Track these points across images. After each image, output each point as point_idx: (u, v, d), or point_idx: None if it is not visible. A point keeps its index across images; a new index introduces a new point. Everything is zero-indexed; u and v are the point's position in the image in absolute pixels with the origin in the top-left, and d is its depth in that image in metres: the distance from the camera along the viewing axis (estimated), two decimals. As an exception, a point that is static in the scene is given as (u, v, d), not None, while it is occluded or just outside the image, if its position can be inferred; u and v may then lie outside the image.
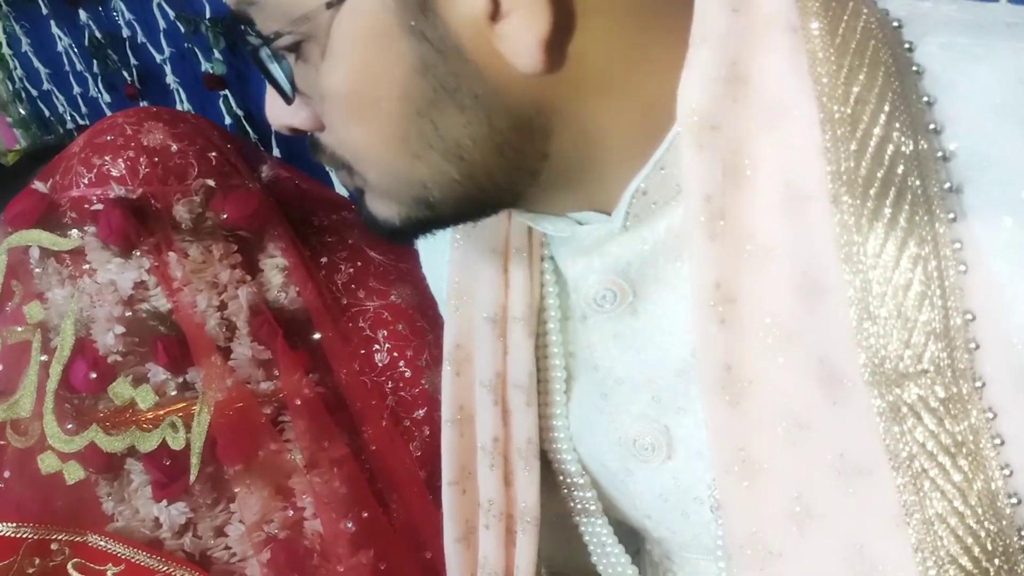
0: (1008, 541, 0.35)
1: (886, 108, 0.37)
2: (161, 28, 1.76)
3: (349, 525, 0.80)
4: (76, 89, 2.06)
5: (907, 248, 0.36)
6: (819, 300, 0.37)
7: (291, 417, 0.82)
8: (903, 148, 0.36)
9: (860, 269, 0.36)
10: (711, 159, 0.38)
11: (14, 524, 0.82)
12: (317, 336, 0.84)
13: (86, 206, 0.80)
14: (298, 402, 0.81)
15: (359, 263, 0.90)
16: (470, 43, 0.37)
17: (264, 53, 0.40)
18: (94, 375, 0.80)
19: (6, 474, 0.84)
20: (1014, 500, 0.35)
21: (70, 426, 0.81)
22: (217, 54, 1.70)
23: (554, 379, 0.51)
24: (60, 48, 2.01)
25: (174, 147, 0.83)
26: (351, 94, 0.38)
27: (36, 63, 2.12)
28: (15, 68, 2.21)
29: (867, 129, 0.37)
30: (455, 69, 0.37)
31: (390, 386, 0.86)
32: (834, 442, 0.37)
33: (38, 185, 0.84)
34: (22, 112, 2.27)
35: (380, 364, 0.86)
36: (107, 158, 0.81)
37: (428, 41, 0.37)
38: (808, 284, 0.38)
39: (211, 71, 1.72)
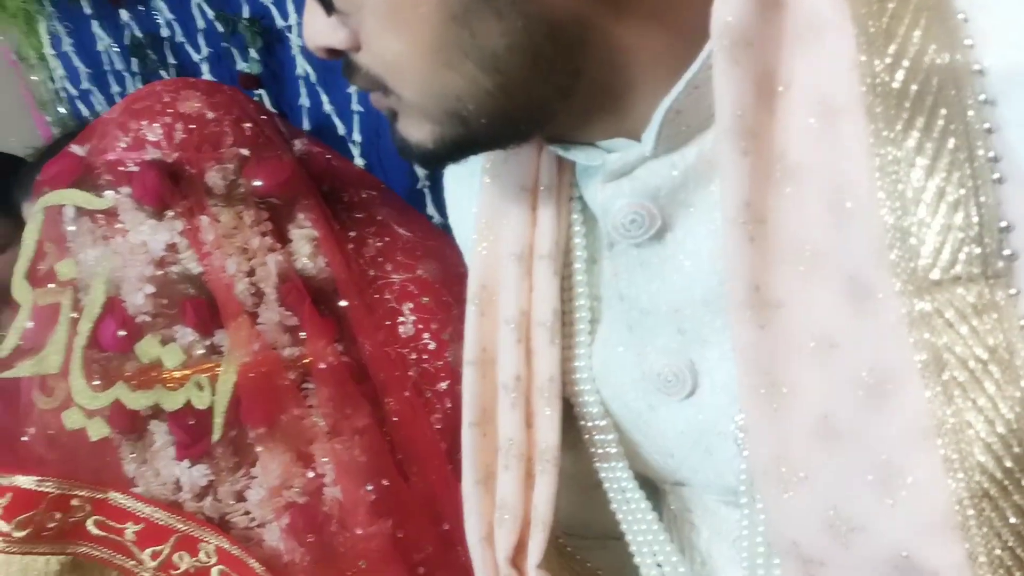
0: None
1: (921, 23, 0.37)
2: (199, 28, 1.80)
3: (369, 488, 0.80)
4: (115, 88, 2.10)
5: (941, 157, 0.36)
6: (850, 214, 0.37)
7: (315, 383, 0.83)
8: (938, 61, 0.36)
9: (893, 179, 0.36)
10: (744, 76, 0.39)
11: (37, 478, 0.83)
12: (343, 304, 0.84)
13: (121, 168, 0.82)
14: (322, 366, 0.82)
15: (387, 238, 0.91)
16: None
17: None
18: (122, 333, 0.81)
19: (31, 430, 0.85)
20: (1047, 410, 0.34)
21: (96, 383, 0.82)
22: (253, 53, 1.72)
23: (579, 319, 0.52)
24: (101, 48, 2.05)
25: (210, 115, 0.85)
26: (388, 1, 0.39)
27: (77, 63, 2.16)
28: (56, 68, 2.25)
29: (902, 43, 0.37)
30: None
31: (413, 358, 0.86)
32: (863, 358, 0.37)
33: (75, 148, 0.86)
34: (61, 111, 2.31)
35: (404, 336, 0.86)
36: (144, 123, 0.83)
37: None
38: (839, 199, 0.38)
39: (247, 70, 1.75)
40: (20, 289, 0.85)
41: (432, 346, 0.86)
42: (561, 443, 0.53)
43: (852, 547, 0.38)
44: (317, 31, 0.44)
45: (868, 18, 0.38)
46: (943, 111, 0.36)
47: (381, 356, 0.85)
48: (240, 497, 0.86)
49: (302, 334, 0.83)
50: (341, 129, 1.57)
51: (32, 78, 2.32)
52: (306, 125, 1.64)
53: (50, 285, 0.84)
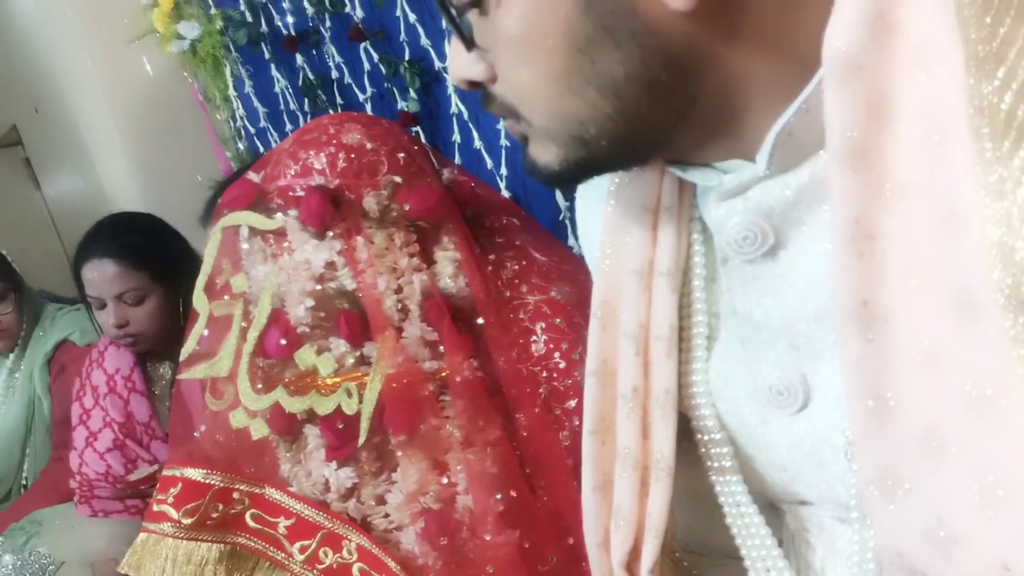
0: None
1: None
2: (365, 70, 1.93)
3: (498, 498, 0.84)
4: (288, 126, 2.28)
5: None
6: (957, 231, 0.38)
7: (451, 396, 0.88)
8: None
9: (1000, 197, 0.37)
10: (853, 98, 0.40)
11: (204, 471, 0.92)
12: (480, 322, 0.89)
13: (290, 193, 0.91)
14: (459, 380, 0.87)
15: (524, 262, 0.96)
16: None
17: (450, 7, 0.46)
18: (284, 342, 0.89)
19: (202, 427, 0.95)
20: None
21: (259, 386, 0.90)
22: (412, 93, 1.84)
23: (696, 335, 0.54)
24: (277, 89, 2.23)
25: (369, 146, 0.92)
26: (521, 34, 0.44)
27: (256, 103, 2.36)
28: (237, 108, 2.47)
29: (1012, 67, 0.38)
30: (613, 8, 0.42)
31: (544, 376, 0.90)
32: (968, 372, 0.38)
33: (251, 175, 0.95)
34: (240, 147, 2.53)
35: (536, 354, 0.90)
36: (311, 152, 0.92)
37: None
38: (947, 216, 0.39)
39: (406, 109, 1.86)
40: (199, 300, 0.95)
41: (562, 365, 0.89)
42: (679, 457, 0.55)
43: (954, 559, 0.38)
44: (460, 65, 0.49)
45: (978, 43, 0.39)
46: None
47: (514, 373, 0.89)
48: (381, 500, 0.92)
49: (441, 348, 0.88)
50: (490, 163, 1.65)
51: (216, 117, 2.55)
52: (458, 159, 1.73)
53: (225, 297, 0.93)
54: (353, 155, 0.92)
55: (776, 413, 0.50)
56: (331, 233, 0.89)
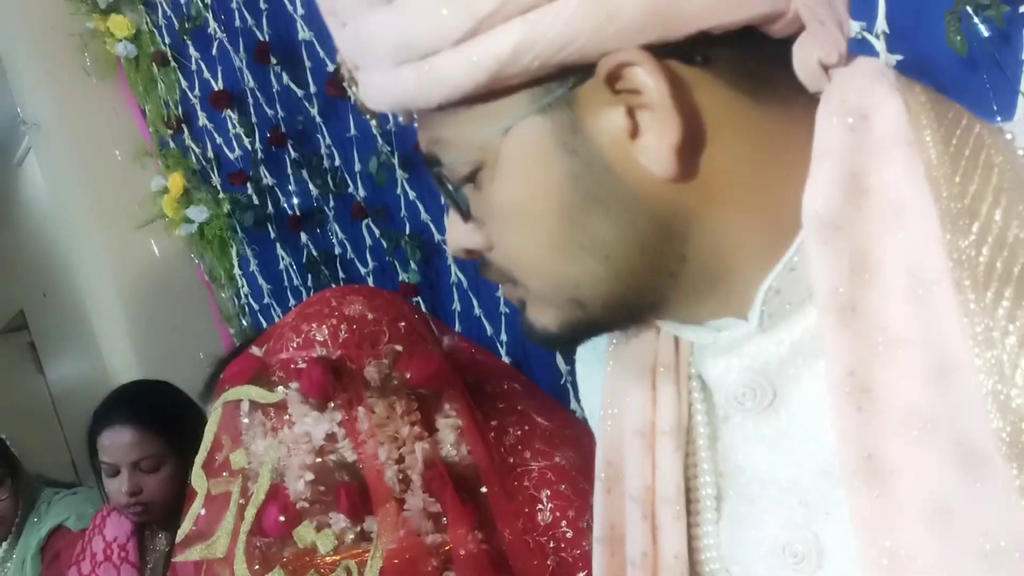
0: None
1: (1003, 201, 0.40)
2: (367, 245, 2.00)
3: None
4: (292, 302, 2.32)
5: None
6: (952, 382, 0.39)
7: (456, 571, 0.85)
8: (1021, 235, 0.39)
9: (988, 347, 0.38)
10: (836, 255, 0.42)
11: (199, 660, 0.87)
12: (484, 491, 0.88)
13: (292, 366, 0.91)
14: (463, 553, 0.84)
15: (526, 427, 0.95)
16: (614, 156, 0.44)
17: (448, 184, 0.49)
18: (283, 519, 0.87)
19: (198, 612, 0.91)
20: None
21: (257, 567, 0.87)
22: (413, 265, 1.89)
23: (704, 496, 0.53)
24: (282, 266, 2.30)
25: (370, 316, 0.94)
26: (515, 205, 0.46)
27: (260, 280, 2.42)
28: (242, 286, 2.53)
29: (985, 221, 0.40)
30: (601, 179, 0.44)
31: (552, 546, 0.87)
32: (979, 523, 0.37)
33: (254, 350, 0.96)
34: (243, 324, 2.56)
35: (543, 523, 0.88)
36: (313, 325, 0.93)
37: (578, 156, 0.44)
38: (940, 368, 0.39)
39: (407, 280, 1.91)
40: (197, 478, 0.93)
41: (570, 534, 0.87)
42: None
43: None
44: (458, 236, 0.51)
45: (950, 200, 0.41)
46: None
47: (520, 544, 0.87)
48: None
49: (444, 520, 0.86)
50: (490, 329, 1.67)
51: (221, 295, 2.61)
52: (458, 326, 1.75)
53: (224, 475, 0.92)
54: (355, 326, 0.93)
55: (792, 575, 0.48)
56: (332, 404, 0.89)
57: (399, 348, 0.92)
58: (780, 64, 0.45)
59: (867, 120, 0.44)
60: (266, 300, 2.43)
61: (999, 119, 0.96)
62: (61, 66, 2.73)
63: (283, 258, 2.27)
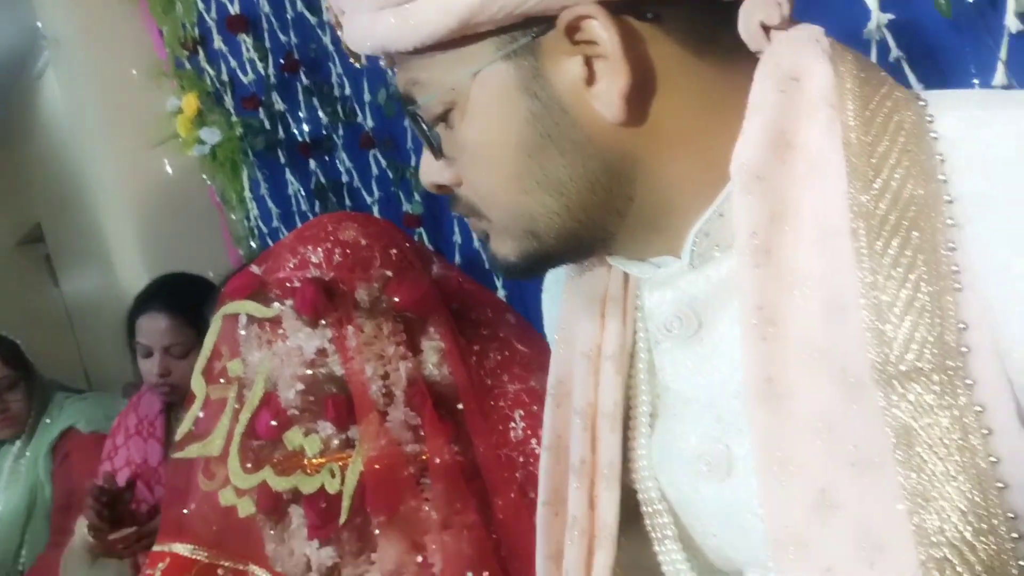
0: (996, 522, 0.39)
1: (904, 163, 0.45)
2: (374, 175, 2.04)
3: (468, 575, 0.87)
4: (299, 226, 2.38)
5: (913, 270, 0.43)
6: (843, 318, 0.44)
7: (430, 478, 0.92)
8: (916, 192, 0.44)
9: (874, 289, 0.43)
10: (757, 203, 0.47)
11: (192, 546, 0.96)
12: (461, 408, 0.95)
13: (288, 284, 0.97)
14: (437, 462, 0.91)
15: (507, 352, 1.01)
16: (571, 101, 0.49)
17: (423, 123, 0.54)
18: (275, 423, 0.94)
19: (192, 505, 0.99)
20: (1000, 485, 0.39)
21: (249, 465, 0.95)
22: (417, 197, 1.94)
23: (641, 413, 0.59)
24: (291, 192, 2.35)
25: (363, 242, 1.00)
26: (480, 143, 0.51)
27: (270, 204, 2.48)
28: (252, 209, 2.59)
29: (886, 178, 0.45)
30: (558, 121, 0.49)
31: (521, 460, 0.94)
32: (851, 438, 0.43)
33: (253, 268, 1.03)
34: (253, 246, 2.63)
35: (515, 440, 0.95)
36: (309, 247, 0.99)
37: (539, 99, 0.49)
38: (835, 305, 0.45)
39: (410, 211, 1.96)
40: (197, 383, 1.01)
41: (538, 450, 0.94)
42: (632, 531, 0.60)
43: None
44: (430, 171, 0.56)
45: (859, 158, 0.46)
46: (916, 234, 0.43)
47: (492, 458, 0.94)
48: (360, 580, 0.95)
49: (423, 433, 0.93)
50: (487, 263, 1.73)
51: (231, 217, 2.67)
52: (458, 257, 1.81)
53: (221, 381, 0.99)
54: (349, 250, 0.99)
55: (705, 482, 0.54)
56: (323, 322, 0.95)
57: (389, 273, 0.98)
58: (726, 25, 0.50)
59: (798, 82, 0.49)
60: (275, 224, 2.49)
61: (976, 83, 0.99)
62: (81, -19, 2.75)
63: (292, 183, 2.32)
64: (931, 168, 0.44)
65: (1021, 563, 0.39)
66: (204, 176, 2.68)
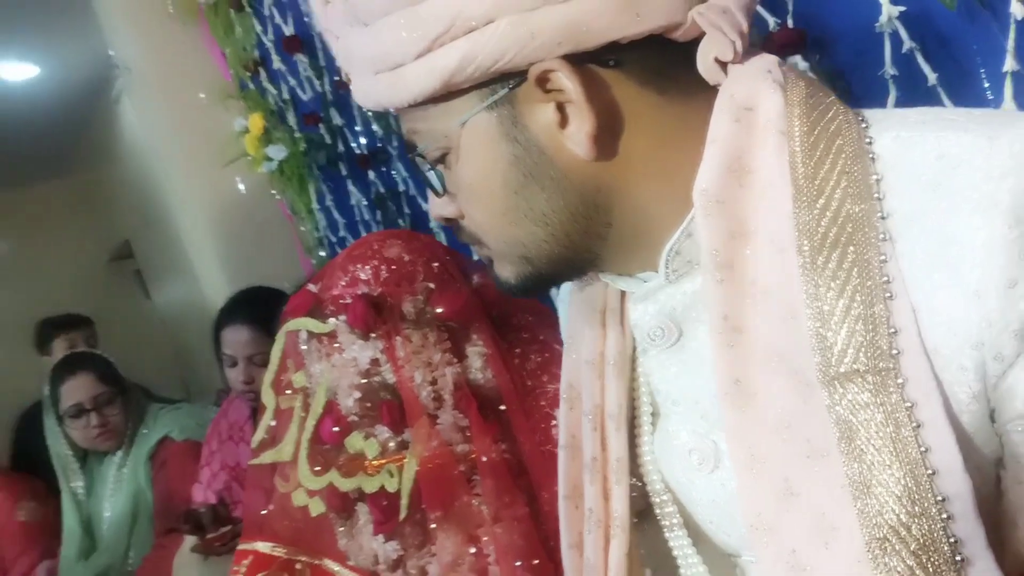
0: (927, 505, 0.44)
1: (843, 184, 0.50)
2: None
3: (518, 564, 0.95)
4: (363, 234, 2.49)
5: (850, 281, 0.48)
6: (794, 326, 0.50)
7: (480, 475, 1.00)
8: (853, 210, 0.49)
9: (816, 298, 0.49)
10: (716, 224, 0.53)
11: (272, 544, 1.06)
12: (503, 408, 1.02)
13: (341, 301, 1.06)
14: (484, 459, 0.99)
15: (546, 354, 1.08)
16: (547, 143, 0.55)
17: (425, 166, 0.61)
18: (336, 429, 1.03)
19: (271, 506, 1.09)
20: (930, 471, 0.44)
21: (317, 468, 1.04)
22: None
23: (643, 413, 0.65)
24: (353, 202, 2.45)
25: (407, 258, 1.08)
26: (473, 182, 0.58)
27: (335, 215, 2.59)
28: (320, 220, 2.71)
29: (828, 198, 0.50)
30: (537, 160, 0.55)
31: (563, 455, 1.01)
32: (805, 433, 0.49)
33: (311, 286, 1.12)
34: (322, 255, 2.75)
35: (556, 437, 1.02)
36: (359, 266, 1.07)
37: (519, 143, 0.55)
38: (788, 314, 0.50)
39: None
40: (267, 395, 1.10)
41: (577, 445, 1.00)
42: (644, 516, 0.66)
43: None
44: (436, 207, 0.63)
45: (804, 180, 0.51)
46: (852, 248, 0.48)
47: (537, 454, 1.01)
48: (423, 571, 1.03)
49: (470, 433, 1.00)
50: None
51: (301, 228, 2.80)
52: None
53: (287, 392, 1.09)
54: (394, 266, 1.07)
55: (697, 474, 0.60)
56: (374, 335, 1.04)
57: (432, 286, 1.06)
58: (684, 63, 0.55)
59: (751, 112, 0.54)
60: (342, 233, 2.60)
61: (983, 72, 1.01)
62: (147, 11, 2.90)
63: (354, 194, 2.42)
64: (868, 187, 0.49)
65: (951, 540, 0.44)
66: (273, 191, 2.81)
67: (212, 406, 2.33)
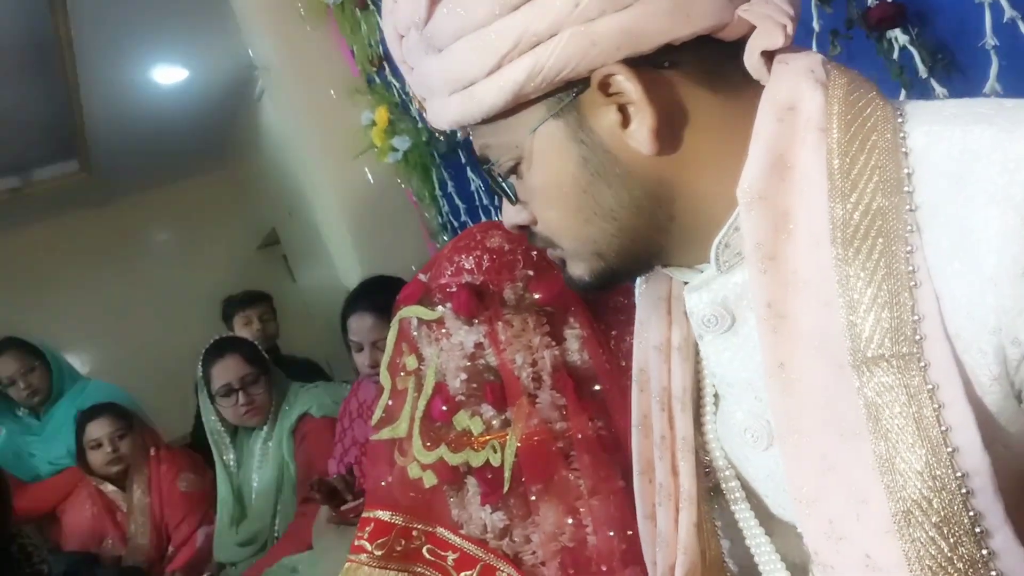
0: (947, 481, 0.47)
1: (875, 178, 0.53)
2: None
3: (611, 534, 1.00)
4: (483, 219, 2.58)
5: (878, 271, 0.51)
6: (829, 312, 0.53)
7: (576, 451, 1.06)
8: (883, 204, 0.52)
9: (847, 287, 0.52)
10: (759, 218, 0.56)
11: (391, 512, 1.15)
12: (597, 388, 1.07)
13: (448, 289, 1.14)
14: (580, 436, 1.05)
15: (641, 336, 1.13)
16: (611, 143, 0.60)
17: (499, 177, 0.67)
18: (445, 408, 1.12)
19: (389, 478, 1.19)
20: (950, 449, 0.47)
21: (428, 444, 1.13)
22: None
23: (707, 394, 0.70)
24: (473, 188, 2.54)
25: (507, 247, 1.14)
26: (545, 186, 0.63)
27: (457, 201, 2.69)
28: (443, 206, 2.82)
29: (860, 193, 0.53)
30: (603, 159, 0.60)
31: (656, 432, 1.06)
32: (839, 412, 0.52)
33: (421, 276, 1.20)
34: (446, 239, 2.87)
35: (649, 415, 1.06)
36: (463, 256, 1.15)
37: (585, 144, 0.60)
38: (824, 301, 0.54)
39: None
40: (384, 376, 1.20)
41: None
42: (715, 491, 0.71)
43: (841, 552, 0.52)
44: (509, 215, 0.69)
45: (839, 175, 0.54)
46: (880, 240, 0.51)
47: (630, 432, 1.06)
48: (528, 540, 1.11)
49: (567, 412, 1.07)
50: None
51: (426, 215, 2.92)
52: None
53: (402, 374, 1.18)
54: (495, 256, 1.14)
55: (753, 451, 0.64)
56: (477, 320, 1.11)
57: (531, 273, 1.12)
58: (732, 62, 0.59)
59: (794, 111, 0.57)
60: (463, 218, 2.70)
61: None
62: (281, 13, 3.07)
63: (473, 180, 2.51)
64: (899, 181, 0.52)
65: (971, 513, 0.47)
66: (399, 180, 2.95)
67: (346, 383, 2.49)
